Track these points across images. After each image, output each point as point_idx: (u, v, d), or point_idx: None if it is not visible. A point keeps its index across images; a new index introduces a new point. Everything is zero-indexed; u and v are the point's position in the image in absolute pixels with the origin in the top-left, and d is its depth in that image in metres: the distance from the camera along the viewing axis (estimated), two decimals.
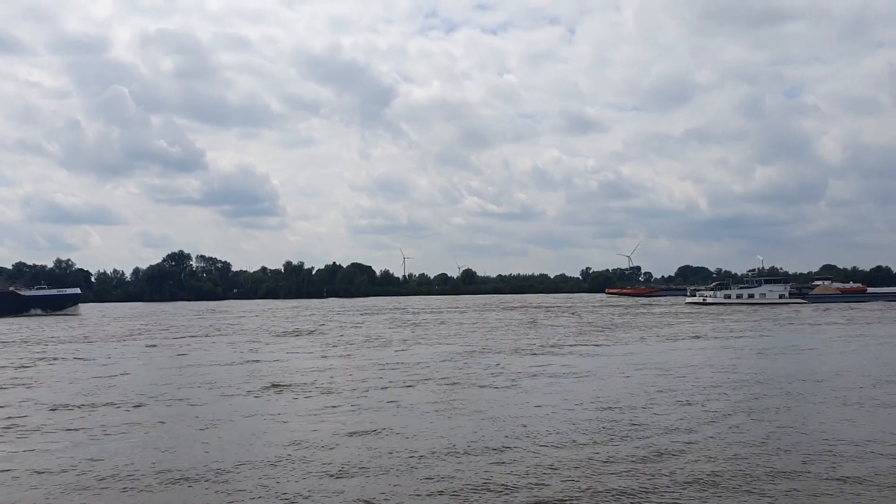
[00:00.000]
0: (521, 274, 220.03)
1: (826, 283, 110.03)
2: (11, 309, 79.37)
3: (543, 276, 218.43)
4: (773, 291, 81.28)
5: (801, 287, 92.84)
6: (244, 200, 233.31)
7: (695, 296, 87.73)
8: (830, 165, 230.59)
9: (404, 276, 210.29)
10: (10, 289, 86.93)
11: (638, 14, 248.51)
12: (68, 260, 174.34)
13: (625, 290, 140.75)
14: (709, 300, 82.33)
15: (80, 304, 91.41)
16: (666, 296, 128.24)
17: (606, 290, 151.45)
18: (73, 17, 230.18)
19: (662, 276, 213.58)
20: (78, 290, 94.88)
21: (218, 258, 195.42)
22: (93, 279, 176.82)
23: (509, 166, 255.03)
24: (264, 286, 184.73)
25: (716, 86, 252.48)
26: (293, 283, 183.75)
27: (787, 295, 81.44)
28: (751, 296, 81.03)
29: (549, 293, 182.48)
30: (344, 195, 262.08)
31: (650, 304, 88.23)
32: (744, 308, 71.46)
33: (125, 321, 64.44)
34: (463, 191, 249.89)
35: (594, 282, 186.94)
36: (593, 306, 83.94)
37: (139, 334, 44.31)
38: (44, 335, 45.31)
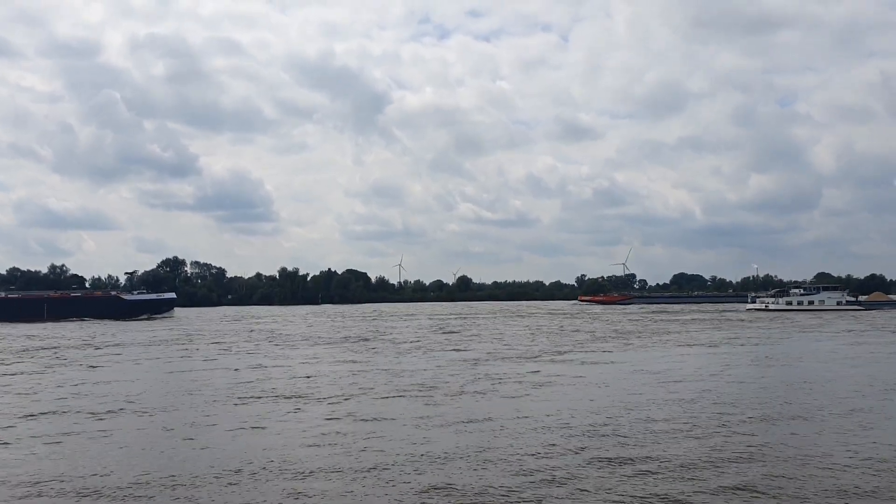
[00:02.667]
0: (517, 281, 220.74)
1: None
2: (116, 313, 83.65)
3: (538, 283, 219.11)
4: (832, 298, 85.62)
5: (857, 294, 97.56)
6: (238, 206, 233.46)
7: (755, 302, 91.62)
8: (824, 174, 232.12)
9: (399, 282, 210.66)
10: (113, 293, 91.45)
11: (630, 21, 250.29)
12: (62, 265, 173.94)
13: (597, 298, 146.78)
14: (771, 306, 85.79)
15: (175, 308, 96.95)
16: (640, 303, 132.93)
17: (579, 297, 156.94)
18: (64, 22, 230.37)
19: (657, 284, 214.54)
20: (174, 295, 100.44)
21: (212, 264, 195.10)
22: (87, 285, 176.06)
23: (503, 173, 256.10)
24: (259, 292, 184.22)
25: (709, 94, 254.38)
26: (288, 289, 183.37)
27: (844, 302, 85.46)
28: (811, 302, 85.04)
29: (544, 300, 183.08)
30: (338, 201, 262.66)
31: (612, 312, 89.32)
32: (805, 314, 74.51)
33: (216, 324, 67.63)
34: (457, 197, 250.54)
35: (589, 289, 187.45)
36: (552, 314, 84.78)
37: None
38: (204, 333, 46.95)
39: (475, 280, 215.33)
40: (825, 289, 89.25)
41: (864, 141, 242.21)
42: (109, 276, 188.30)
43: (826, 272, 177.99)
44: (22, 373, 27.37)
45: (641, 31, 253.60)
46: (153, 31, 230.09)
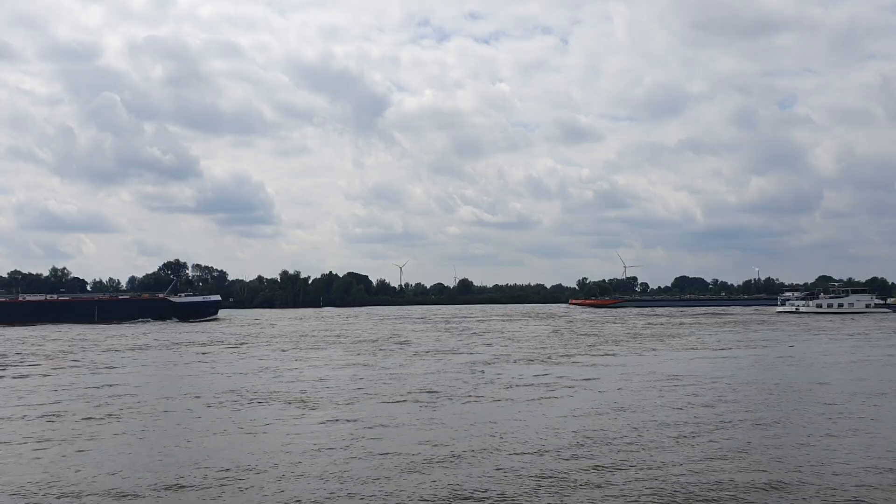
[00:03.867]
0: (518, 284, 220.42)
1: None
2: (164, 314, 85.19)
3: (540, 287, 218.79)
4: (860, 301, 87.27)
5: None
6: (239, 209, 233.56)
7: (785, 305, 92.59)
8: (824, 177, 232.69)
9: (400, 285, 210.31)
10: (160, 296, 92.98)
11: (629, 24, 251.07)
12: (63, 268, 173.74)
13: (587, 301, 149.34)
14: (801, 309, 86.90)
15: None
16: (629, 307, 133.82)
17: (570, 301, 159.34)
18: (64, 25, 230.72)
19: (659, 287, 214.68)
20: (218, 297, 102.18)
21: (213, 267, 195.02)
22: (88, 288, 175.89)
23: (503, 175, 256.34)
24: (260, 295, 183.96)
25: (708, 96, 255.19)
26: (290, 292, 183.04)
27: (872, 305, 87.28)
28: (840, 305, 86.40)
29: (545, 303, 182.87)
30: (338, 204, 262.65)
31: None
32: (834, 316, 75.63)
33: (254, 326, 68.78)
34: (458, 200, 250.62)
35: (590, 292, 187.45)
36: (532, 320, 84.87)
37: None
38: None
39: (476, 283, 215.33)
40: (854, 291, 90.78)
41: (863, 143, 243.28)
42: (111, 280, 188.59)
43: (827, 275, 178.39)
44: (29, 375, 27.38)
45: (640, 34, 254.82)
46: (152, 34, 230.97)
